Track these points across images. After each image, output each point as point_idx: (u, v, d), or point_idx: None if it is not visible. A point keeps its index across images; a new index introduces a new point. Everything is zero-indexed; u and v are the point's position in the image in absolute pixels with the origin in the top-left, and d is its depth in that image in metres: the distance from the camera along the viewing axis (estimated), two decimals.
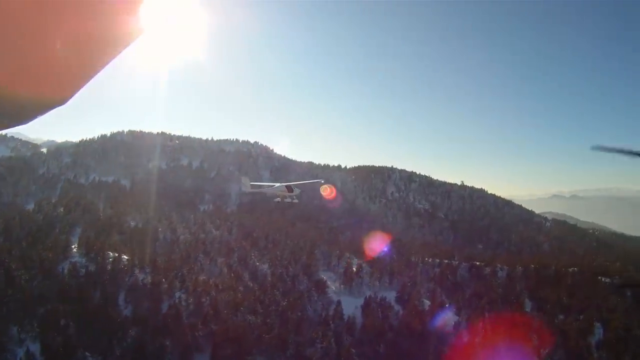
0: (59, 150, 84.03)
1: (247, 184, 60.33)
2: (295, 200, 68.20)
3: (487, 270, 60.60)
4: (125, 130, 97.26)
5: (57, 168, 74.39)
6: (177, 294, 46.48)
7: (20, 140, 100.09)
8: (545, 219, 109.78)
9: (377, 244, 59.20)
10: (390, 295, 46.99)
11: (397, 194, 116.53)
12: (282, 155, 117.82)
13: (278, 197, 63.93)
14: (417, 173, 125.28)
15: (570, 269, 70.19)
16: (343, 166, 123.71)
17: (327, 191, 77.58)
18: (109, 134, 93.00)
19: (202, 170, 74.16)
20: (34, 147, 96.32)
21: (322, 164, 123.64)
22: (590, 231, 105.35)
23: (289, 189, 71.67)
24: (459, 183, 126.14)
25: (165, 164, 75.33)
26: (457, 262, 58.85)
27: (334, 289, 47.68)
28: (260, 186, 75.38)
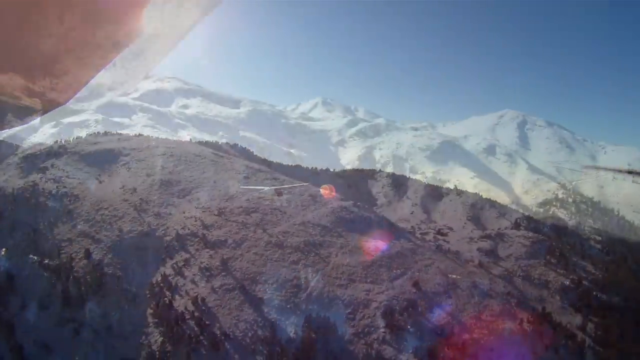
0: (34, 153, 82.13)
1: (236, 188, 55.62)
2: (285, 204, 63.07)
3: (466, 284, 54.94)
4: (102, 131, 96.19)
5: (27, 170, 71.74)
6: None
7: (6, 142, 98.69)
8: (544, 224, 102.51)
9: (352, 252, 54.42)
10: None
11: (384, 199, 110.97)
12: (264, 158, 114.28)
13: (267, 200, 58.69)
14: (408, 177, 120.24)
15: (560, 283, 64.50)
16: (332, 169, 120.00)
17: (326, 191, 72.79)
18: (84, 136, 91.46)
19: (173, 172, 70.06)
20: (17, 149, 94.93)
21: (310, 166, 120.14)
22: (593, 236, 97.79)
23: (279, 192, 67.31)
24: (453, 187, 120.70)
25: (136, 167, 71.54)
26: (428, 275, 53.01)
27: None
28: (249, 190, 70.87)
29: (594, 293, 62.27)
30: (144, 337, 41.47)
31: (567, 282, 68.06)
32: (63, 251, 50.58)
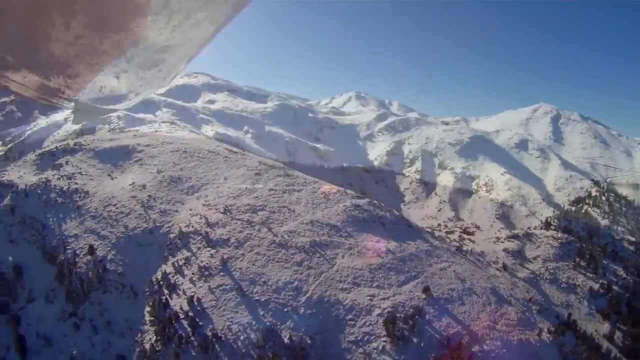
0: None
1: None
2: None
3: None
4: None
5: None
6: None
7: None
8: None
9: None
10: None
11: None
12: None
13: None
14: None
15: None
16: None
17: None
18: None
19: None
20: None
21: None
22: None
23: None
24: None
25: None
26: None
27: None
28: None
29: (625, 299, 58.13)
30: (139, 335, 40.93)
31: (597, 287, 64.12)
32: (69, 247, 50.75)
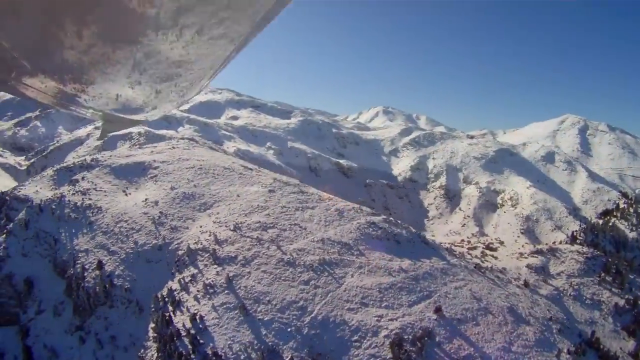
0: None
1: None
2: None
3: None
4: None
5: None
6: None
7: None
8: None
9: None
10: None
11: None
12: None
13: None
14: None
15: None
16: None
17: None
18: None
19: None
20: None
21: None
22: None
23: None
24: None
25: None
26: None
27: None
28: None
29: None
30: (142, 351, 40.72)
31: (622, 302, 61.24)
32: (78, 261, 51.25)
